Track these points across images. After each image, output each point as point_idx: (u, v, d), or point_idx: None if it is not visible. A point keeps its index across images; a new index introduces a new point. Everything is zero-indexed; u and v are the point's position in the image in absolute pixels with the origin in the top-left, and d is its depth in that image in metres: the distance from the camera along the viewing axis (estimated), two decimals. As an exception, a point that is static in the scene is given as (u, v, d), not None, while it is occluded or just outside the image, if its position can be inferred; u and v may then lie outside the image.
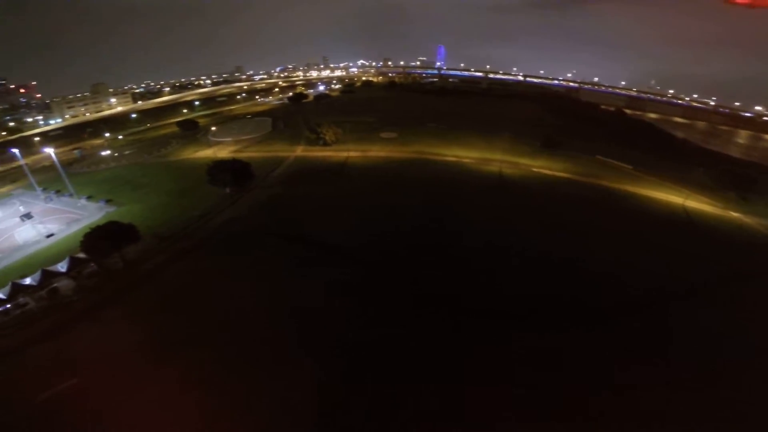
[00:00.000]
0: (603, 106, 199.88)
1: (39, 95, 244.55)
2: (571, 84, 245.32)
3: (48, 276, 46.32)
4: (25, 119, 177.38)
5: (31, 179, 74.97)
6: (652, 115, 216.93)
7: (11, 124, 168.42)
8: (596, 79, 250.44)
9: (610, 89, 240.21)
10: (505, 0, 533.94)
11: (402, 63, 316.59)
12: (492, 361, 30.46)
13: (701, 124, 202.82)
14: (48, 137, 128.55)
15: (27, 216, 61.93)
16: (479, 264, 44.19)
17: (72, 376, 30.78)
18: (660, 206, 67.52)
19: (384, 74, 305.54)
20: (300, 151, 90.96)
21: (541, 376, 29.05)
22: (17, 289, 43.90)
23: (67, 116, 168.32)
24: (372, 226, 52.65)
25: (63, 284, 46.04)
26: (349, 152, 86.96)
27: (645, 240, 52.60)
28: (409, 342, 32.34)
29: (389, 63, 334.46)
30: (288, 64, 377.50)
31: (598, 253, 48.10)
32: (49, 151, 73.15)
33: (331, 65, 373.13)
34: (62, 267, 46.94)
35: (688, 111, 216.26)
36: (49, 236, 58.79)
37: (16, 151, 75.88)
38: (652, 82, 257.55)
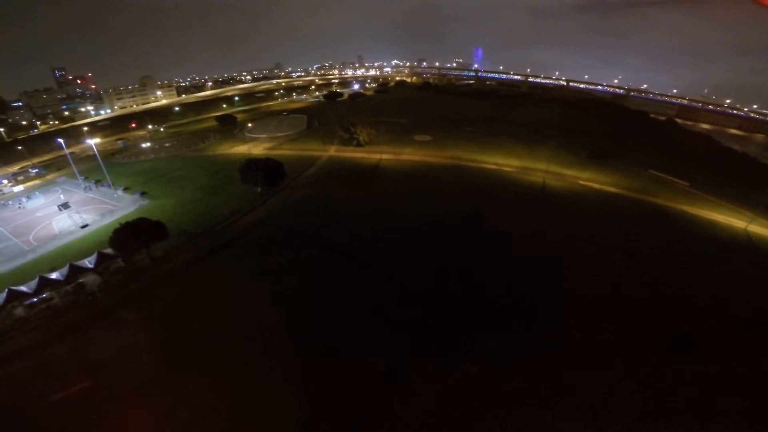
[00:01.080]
0: (653, 115, 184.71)
1: (94, 86, 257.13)
2: (618, 90, 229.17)
3: (75, 271, 45.43)
4: (79, 109, 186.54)
5: (74, 168, 76.19)
6: (705, 126, 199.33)
7: (66, 113, 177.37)
8: (645, 86, 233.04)
9: (659, 97, 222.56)
10: (545, 2, 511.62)
11: (437, 64, 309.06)
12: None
13: (759, 137, 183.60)
14: (96, 127, 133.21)
15: (64, 206, 62.22)
16: (523, 290, 38.67)
17: (85, 378, 29.23)
18: (720, 230, 59.16)
19: (418, 75, 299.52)
20: (333, 150, 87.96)
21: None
22: (44, 283, 43.17)
23: (116, 107, 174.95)
24: (401, 236, 48.35)
25: (89, 279, 45.12)
26: (382, 154, 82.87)
27: (709, 266, 45.71)
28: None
29: (424, 63, 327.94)
30: (325, 62, 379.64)
31: (662, 279, 41.68)
32: (91, 142, 73.94)
33: (366, 64, 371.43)
34: (90, 262, 45.93)
35: (746, 123, 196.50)
36: (83, 227, 58.68)
37: (61, 141, 77.39)
38: (705, 90, 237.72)
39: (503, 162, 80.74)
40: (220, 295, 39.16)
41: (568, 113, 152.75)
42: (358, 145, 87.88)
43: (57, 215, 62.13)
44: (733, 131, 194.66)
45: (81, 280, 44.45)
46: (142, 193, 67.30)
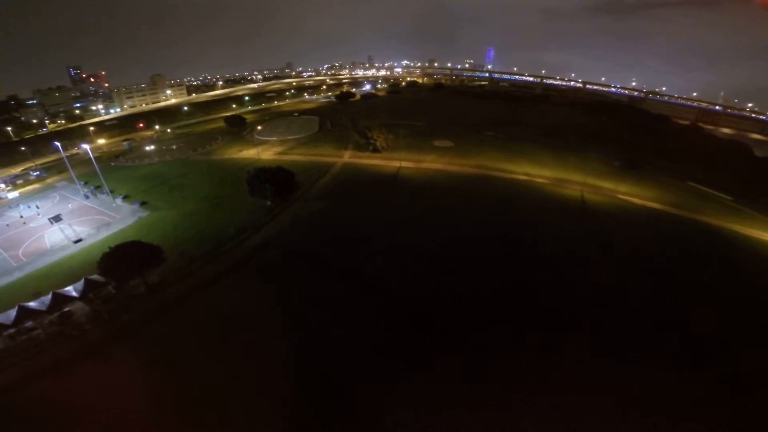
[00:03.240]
0: (675, 119, 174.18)
1: (107, 84, 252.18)
2: (636, 93, 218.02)
3: (59, 300, 38.85)
4: (90, 108, 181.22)
5: (72, 174, 69.65)
6: (726, 130, 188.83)
7: (77, 111, 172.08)
8: (664, 88, 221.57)
9: (679, 100, 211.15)
10: (558, 3, 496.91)
11: (449, 65, 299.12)
12: None
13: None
14: (104, 127, 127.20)
15: (56, 218, 55.59)
16: (585, 342, 30.79)
17: (68, 425, 24.63)
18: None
19: (429, 75, 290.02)
20: (348, 156, 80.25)
21: None
22: (25, 313, 36.64)
23: (125, 106, 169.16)
24: (434, 265, 40.60)
25: (76, 308, 38.51)
26: (401, 162, 74.96)
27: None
28: None
29: (435, 64, 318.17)
30: (335, 62, 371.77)
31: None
32: (87, 146, 67.42)
33: (376, 65, 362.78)
34: (78, 288, 39.26)
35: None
36: (77, 241, 52.12)
37: (58, 144, 70.92)
38: (722, 93, 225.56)
39: (534, 172, 72.37)
40: (222, 335, 32.24)
41: (589, 117, 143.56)
42: (375, 150, 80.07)
43: (50, 227, 55.56)
44: (755, 136, 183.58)
45: (67, 309, 37.94)
46: (142, 203, 60.45)
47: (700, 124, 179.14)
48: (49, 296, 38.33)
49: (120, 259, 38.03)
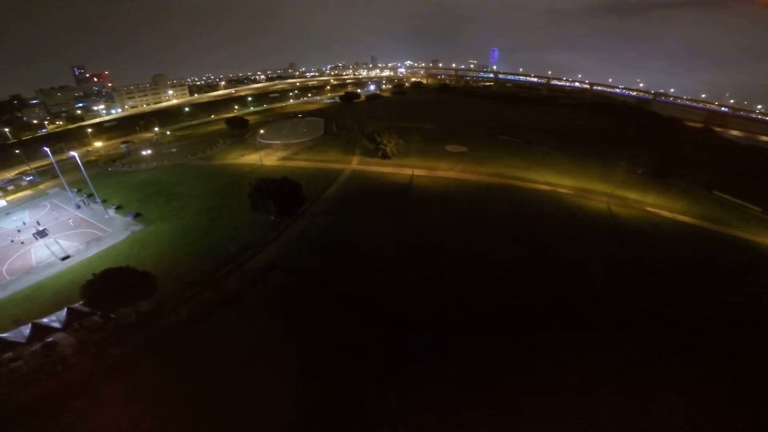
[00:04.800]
0: (687, 122, 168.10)
1: (111, 84, 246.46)
2: (644, 95, 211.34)
3: (39, 331, 34.05)
4: (92, 108, 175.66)
5: (63, 181, 64.26)
6: (736, 133, 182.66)
7: (78, 112, 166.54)
8: (672, 90, 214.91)
9: (685, 101, 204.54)
10: (562, 4, 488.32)
11: (454, 65, 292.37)
12: None
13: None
14: (103, 128, 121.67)
15: (41, 233, 50.16)
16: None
17: None
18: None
19: (434, 76, 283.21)
20: (356, 163, 74.58)
21: None
22: (3, 345, 32.54)
23: (126, 107, 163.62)
24: (461, 294, 35.25)
25: (60, 337, 33.68)
26: (414, 169, 69.30)
27: None
28: None
29: (440, 64, 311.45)
30: (338, 62, 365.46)
31: None
32: (73, 154, 62.02)
33: (380, 65, 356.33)
34: (61, 318, 34.63)
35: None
36: (64, 258, 46.86)
37: (47, 150, 65.36)
38: (727, 94, 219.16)
39: (556, 181, 66.80)
40: (221, 379, 27.24)
41: (601, 120, 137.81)
42: (384, 156, 74.46)
43: (36, 241, 50.21)
44: (766, 138, 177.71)
45: (51, 339, 33.18)
46: (136, 215, 55.01)
47: (712, 127, 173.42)
48: (29, 327, 33.74)
49: (106, 288, 32.82)
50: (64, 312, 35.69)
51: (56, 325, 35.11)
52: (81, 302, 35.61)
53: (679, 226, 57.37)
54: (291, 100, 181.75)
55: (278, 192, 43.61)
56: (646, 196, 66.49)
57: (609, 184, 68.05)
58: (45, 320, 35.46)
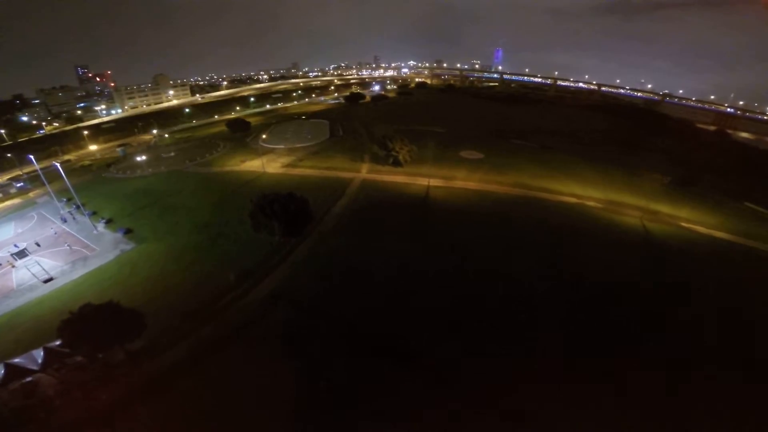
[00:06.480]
0: (699, 125, 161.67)
1: (113, 84, 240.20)
2: (652, 96, 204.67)
3: (13, 372, 28.58)
4: (93, 108, 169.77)
5: (50, 191, 58.41)
6: (746, 135, 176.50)
7: (78, 112, 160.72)
8: (681, 91, 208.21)
9: (690, 102, 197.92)
10: (565, 4, 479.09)
11: (458, 65, 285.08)
12: None
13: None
14: (101, 130, 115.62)
15: (20, 254, 44.30)
16: None
17: None
18: None
19: (438, 76, 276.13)
20: (365, 171, 68.46)
21: None
22: None
23: (126, 107, 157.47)
24: (496, 332, 29.43)
25: (40, 377, 28.47)
26: (429, 179, 63.20)
27: None
28: None
29: (444, 65, 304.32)
30: (341, 62, 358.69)
31: None
32: (57, 163, 56.28)
33: (383, 65, 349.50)
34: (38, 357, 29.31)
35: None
36: (46, 281, 41.15)
37: (32, 157, 59.48)
38: (732, 95, 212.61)
39: (581, 192, 60.72)
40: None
41: (613, 122, 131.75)
42: (396, 164, 68.44)
43: (15, 261, 44.38)
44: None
45: (30, 379, 27.99)
46: (127, 231, 49.19)
47: (725, 130, 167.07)
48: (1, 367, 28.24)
49: (84, 331, 27.20)
50: (41, 351, 30.21)
51: (32, 367, 29.64)
52: (58, 343, 30.13)
53: (715, 242, 51.42)
54: (294, 101, 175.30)
55: (284, 211, 37.63)
56: (678, 209, 60.48)
57: (639, 196, 62.00)
58: (17, 360, 29.93)
